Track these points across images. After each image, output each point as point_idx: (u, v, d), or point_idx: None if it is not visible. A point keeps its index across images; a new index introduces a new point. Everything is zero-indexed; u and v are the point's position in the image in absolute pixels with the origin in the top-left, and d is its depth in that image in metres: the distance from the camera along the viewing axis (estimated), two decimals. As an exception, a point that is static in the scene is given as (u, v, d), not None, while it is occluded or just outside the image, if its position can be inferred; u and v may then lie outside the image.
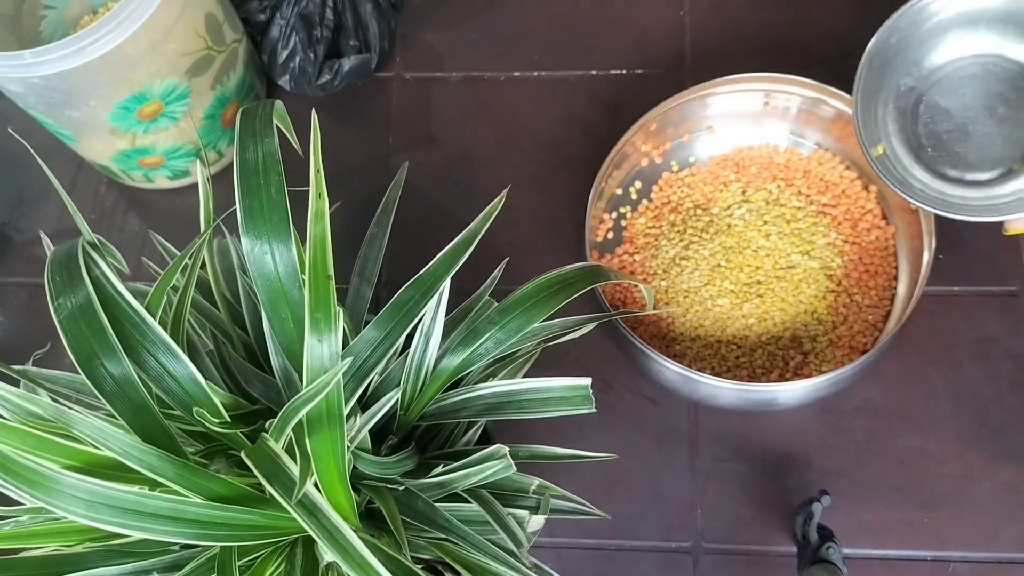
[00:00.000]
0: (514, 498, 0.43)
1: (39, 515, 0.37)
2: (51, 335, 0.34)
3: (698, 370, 0.54)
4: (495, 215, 0.43)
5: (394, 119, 0.71)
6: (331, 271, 0.35)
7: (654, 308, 0.60)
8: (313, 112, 0.36)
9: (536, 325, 0.42)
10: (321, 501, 0.34)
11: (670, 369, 0.54)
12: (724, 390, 0.54)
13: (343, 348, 0.36)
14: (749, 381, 0.57)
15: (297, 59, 0.68)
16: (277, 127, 0.36)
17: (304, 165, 0.37)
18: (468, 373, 0.43)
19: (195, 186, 0.63)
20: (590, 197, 0.59)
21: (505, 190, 0.45)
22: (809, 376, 0.55)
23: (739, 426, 0.60)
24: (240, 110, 0.37)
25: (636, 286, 0.61)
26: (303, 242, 0.37)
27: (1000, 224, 0.50)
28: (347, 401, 0.36)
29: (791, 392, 0.54)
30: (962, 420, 0.58)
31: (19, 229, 0.71)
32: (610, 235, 0.64)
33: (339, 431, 0.35)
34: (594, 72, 0.70)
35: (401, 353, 0.42)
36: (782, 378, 0.57)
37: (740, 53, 0.68)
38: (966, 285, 0.61)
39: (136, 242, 0.69)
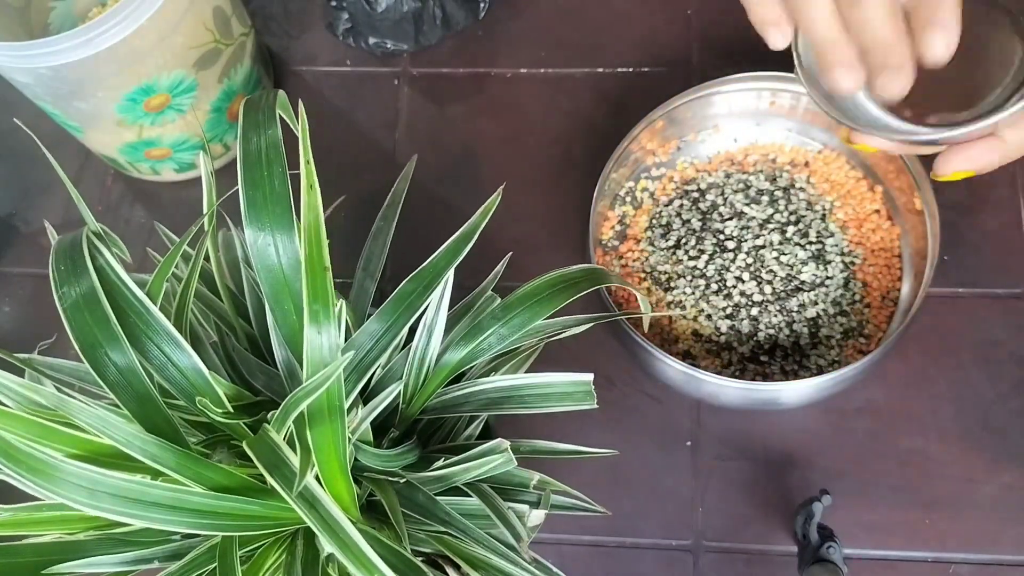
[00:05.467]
0: (515, 493, 0.43)
1: (40, 507, 0.37)
2: (57, 325, 0.34)
3: (702, 368, 0.54)
4: (494, 209, 0.43)
5: (400, 114, 0.71)
6: (327, 262, 0.35)
7: (659, 309, 0.59)
8: (300, 102, 0.36)
9: (539, 322, 0.42)
10: (321, 493, 0.34)
11: (673, 367, 0.54)
12: (727, 389, 0.54)
13: (346, 341, 0.36)
14: (751, 380, 0.57)
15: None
16: (281, 118, 0.36)
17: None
18: (470, 368, 0.43)
19: (201, 179, 0.64)
20: (595, 194, 0.59)
21: (502, 185, 0.45)
22: (811, 376, 0.55)
23: (741, 425, 0.60)
24: (244, 100, 0.37)
25: (641, 284, 0.61)
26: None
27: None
28: (349, 394, 0.36)
29: (793, 392, 0.54)
30: (965, 422, 0.58)
31: (26, 220, 0.71)
32: (614, 232, 0.64)
33: (340, 423, 0.35)
34: (600, 70, 0.70)
35: (404, 347, 0.42)
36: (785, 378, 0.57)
37: (747, 52, 0.67)
38: (970, 287, 0.61)
39: (142, 234, 0.69)
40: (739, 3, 0.43)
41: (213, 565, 0.37)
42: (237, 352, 0.42)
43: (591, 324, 0.45)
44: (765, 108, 0.62)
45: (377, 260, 0.48)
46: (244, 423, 0.37)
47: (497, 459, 0.38)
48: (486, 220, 0.43)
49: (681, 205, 0.62)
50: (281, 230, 0.35)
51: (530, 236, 0.66)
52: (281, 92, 0.37)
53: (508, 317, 0.42)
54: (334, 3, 0.71)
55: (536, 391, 0.42)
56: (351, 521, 0.33)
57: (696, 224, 0.61)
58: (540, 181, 0.67)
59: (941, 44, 0.36)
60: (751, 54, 0.68)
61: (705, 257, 0.60)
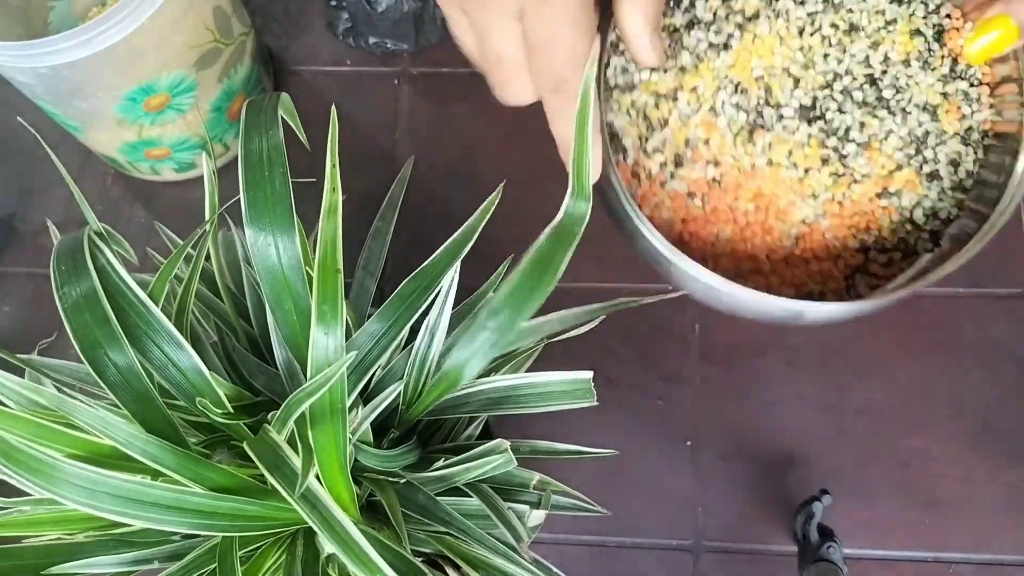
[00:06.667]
0: (515, 493, 0.43)
1: (40, 505, 0.37)
2: (57, 325, 0.34)
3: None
4: (494, 208, 0.43)
5: (400, 114, 0.71)
6: (340, 265, 0.35)
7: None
8: (333, 108, 0.36)
9: (535, 323, 0.41)
10: (323, 494, 0.34)
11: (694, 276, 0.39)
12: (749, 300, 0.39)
13: (346, 341, 0.36)
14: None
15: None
16: (283, 119, 0.36)
17: (309, 157, 0.37)
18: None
19: (201, 179, 0.64)
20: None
21: (501, 184, 0.45)
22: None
23: (741, 425, 0.60)
24: (246, 102, 0.37)
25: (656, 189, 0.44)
26: (307, 235, 0.37)
27: None
28: (349, 394, 0.36)
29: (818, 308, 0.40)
30: (965, 422, 0.58)
31: (26, 220, 0.71)
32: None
33: (341, 424, 0.35)
34: (601, 69, 0.70)
35: (405, 347, 0.42)
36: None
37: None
38: (970, 287, 0.61)
39: (142, 234, 0.69)
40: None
41: (213, 565, 0.37)
42: (237, 352, 0.42)
43: (593, 324, 0.45)
44: None
45: (376, 259, 0.48)
46: (244, 423, 0.37)
47: (497, 459, 0.38)
48: (486, 219, 0.42)
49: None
50: (282, 230, 0.35)
51: (532, 237, 0.65)
52: (285, 95, 0.37)
53: (501, 309, 0.41)
54: (334, 3, 0.71)
55: (536, 390, 0.42)
56: (352, 522, 0.33)
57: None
58: (541, 181, 0.67)
59: None
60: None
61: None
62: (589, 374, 0.41)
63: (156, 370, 0.35)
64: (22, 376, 0.38)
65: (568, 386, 0.41)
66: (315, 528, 0.33)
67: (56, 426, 0.34)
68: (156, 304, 0.35)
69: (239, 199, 0.35)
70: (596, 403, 0.41)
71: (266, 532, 0.36)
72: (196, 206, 0.69)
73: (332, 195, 0.35)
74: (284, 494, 0.32)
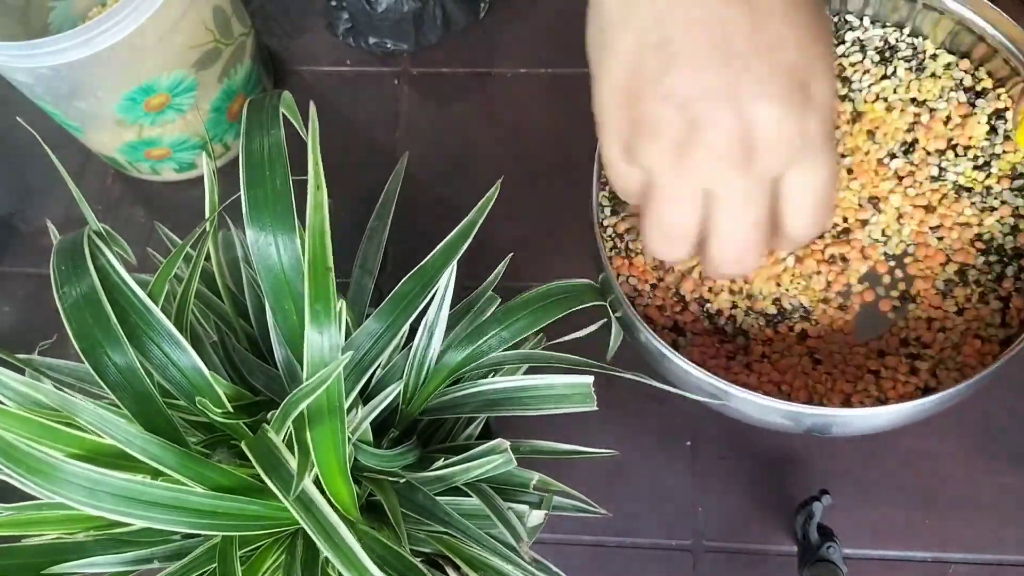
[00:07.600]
0: (515, 493, 0.43)
1: (41, 507, 0.37)
2: (57, 325, 0.34)
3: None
4: (491, 206, 0.43)
5: (400, 114, 0.71)
6: (331, 263, 0.35)
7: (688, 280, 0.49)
8: (311, 105, 0.36)
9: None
10: (317, 496, 0.34)
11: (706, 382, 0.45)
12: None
13: (345, 340, 0.36)
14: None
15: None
16: (284, 118, 0.36)
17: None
18: (471, 369, 0.43)
19: (201, 179, 0.64)
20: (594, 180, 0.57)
21: (499, 180, 0.45)
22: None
23: (741, 425, 0.60)
24: (247, 101, 0.37)
25: (655, 270, 0.50)
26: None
27: None
28: (348, 393, 0.36)
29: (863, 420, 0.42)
30: (965, 422, 0.58)
31: (26, 220, 0.71)
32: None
33: (340, 423, 0.35)
34: (601, 69, 0.70)
35: (404, 347, 0.42)
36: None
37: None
38: (971, 287, 0.61)
39: (142, 234, 0.69)
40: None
41: (213, 565, 0.37)
42: (237, 352, 0.42)
43: (594, 328, 0.45)
44: None
45: (373, 259, 0.48)
46: (244, 423, 0.37)
47: (497, 459, 0.38)
48: (483, 217, 0.43)
49: None
50: (282, 230, 0.35)
51: (531, 236, 0.66)
52: (286, 93, 0.37)
53: (510, 321, 0.42)
54: (334, 3, 0.71)
55: (535, 393, 0.42)
56: (351, 521, 0.33)
57: None
58: (540, 181, 0.67)
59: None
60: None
61: None
62: (589, 379, 0.41)
63: (156, 370, 0.35)
64: (22, 376, 0.38)
65: (568, 390, 0.41)
66: (308, 531, 0.33)
67: (57, 425, 0.34)
68: (156, 304, 0.35)
69: (239, 199, 0.35)
70: (595, 408, 0.41)
71: (266, 532, 0.36)
72: (196, 206, 0.69)
73: (317, 193, 0.35)
74: (279, 495, 0.32)
